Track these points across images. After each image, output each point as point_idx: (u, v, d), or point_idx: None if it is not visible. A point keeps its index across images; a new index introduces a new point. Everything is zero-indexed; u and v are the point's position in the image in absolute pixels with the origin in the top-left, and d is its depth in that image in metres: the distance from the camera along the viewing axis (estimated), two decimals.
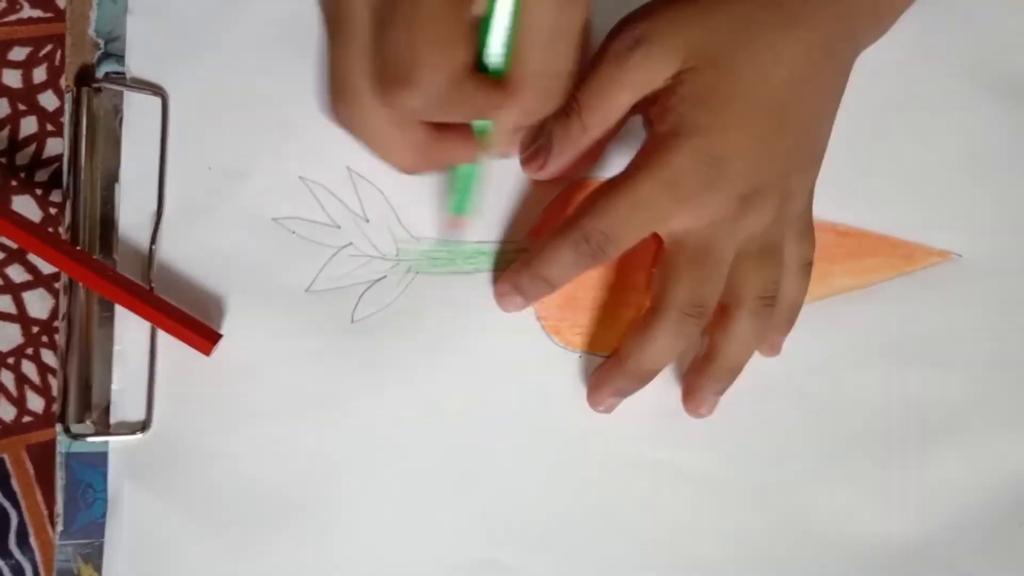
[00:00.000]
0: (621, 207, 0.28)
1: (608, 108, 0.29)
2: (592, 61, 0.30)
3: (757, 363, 0.33)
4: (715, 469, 0.34)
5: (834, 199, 0.33)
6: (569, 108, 0.30)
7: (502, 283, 0.32)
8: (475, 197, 0.31)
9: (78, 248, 0.30)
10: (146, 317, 0.30)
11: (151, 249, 0.31)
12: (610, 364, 0.32)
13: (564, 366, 0.33)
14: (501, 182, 0.33)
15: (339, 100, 0.27)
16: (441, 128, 0.28)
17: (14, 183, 0.32)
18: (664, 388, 0.33)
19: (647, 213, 0.28)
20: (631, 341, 0.30)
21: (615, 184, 0.29)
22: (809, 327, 0.33)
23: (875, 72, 0.32)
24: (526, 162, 0.32)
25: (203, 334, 0.30)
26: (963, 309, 0.35)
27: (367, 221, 0.33)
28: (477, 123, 0.29)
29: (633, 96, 0.29)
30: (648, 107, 0.30)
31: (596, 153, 0.32)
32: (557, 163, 0.31)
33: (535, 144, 0.32)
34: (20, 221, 0.30)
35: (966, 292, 0.35)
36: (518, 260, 0.32)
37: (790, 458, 0.34)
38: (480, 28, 0.26)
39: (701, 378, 0.32)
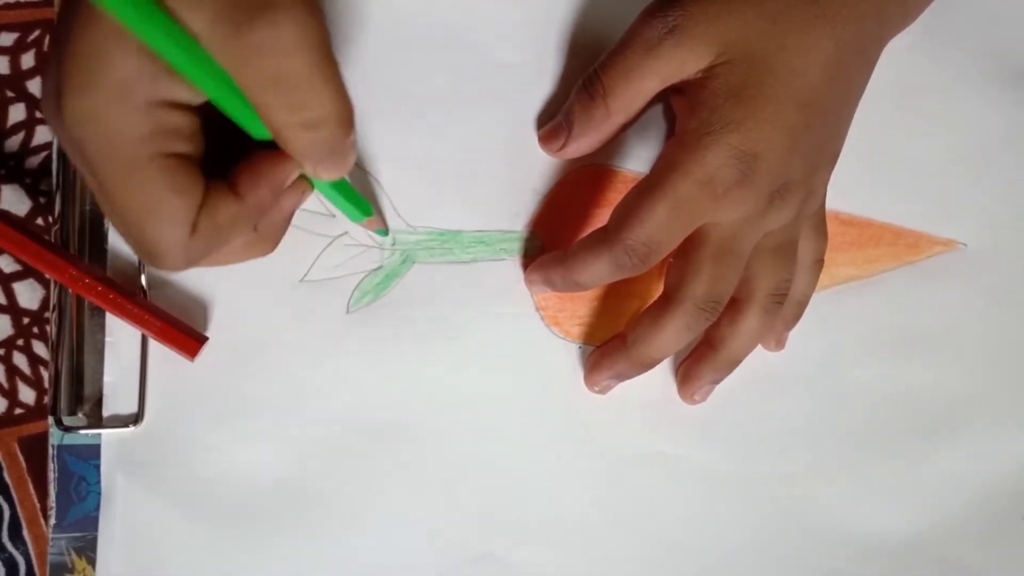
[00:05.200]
0: (661, 212, 0.27)
1: (634, 94, 0.29)
2: (620, 44, 0.29)
3: (760, 354, 0.33)
4: (716, 461, 0.33)
5: (838, 188, 0.32)
6: (594, 90, 0.29)
7: (534, 272, 0.32)
8: (357, 198, 0.29)
9: (67, 251, 0.30)
10: (131, 322, 0.30)
11: None
12: (612, 347, 0.31)
13: (563, 357, 0.33)
14: (498, 170, 0.32)
15: (160, 263, 0.24)
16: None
17: (2, 172, 0.31)
18: (665, 379, 0.33)
19: (688, 215, 0.28)
20: (641, 328, 0.30)
21: (650, 187, 0.28)
22: (813, 318, 0.33)
23: (879, 63, 0.32)
24: (544, 140, 0.32)
25: (187, 340, 0.30)
26: (968, 299, 0.35)
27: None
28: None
29: (660, 84, 0.29)
30: (671, 95, 0.30)
31: (610, 138, 0.31)
32: (577, 145, 0.31)
33: (553, 122, 0.31)
34: (8, 224, 0.29)
35: (971, 282, 0.35)
36: (551, 254, 0.31)
37: (792, 451, 0.34)
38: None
39: (701, 367, 0.32)
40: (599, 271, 0.29)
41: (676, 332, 0.29)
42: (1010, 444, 0.34)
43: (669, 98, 0.32)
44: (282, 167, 0.24)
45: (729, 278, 0.29)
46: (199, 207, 0.23)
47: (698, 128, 0.27)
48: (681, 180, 0.27)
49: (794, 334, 0.33)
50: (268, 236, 0.27)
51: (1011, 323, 0.35)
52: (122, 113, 0.21)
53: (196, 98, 0.22)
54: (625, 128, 0.31)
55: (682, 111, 0.30)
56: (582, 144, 0.31)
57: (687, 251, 0.29)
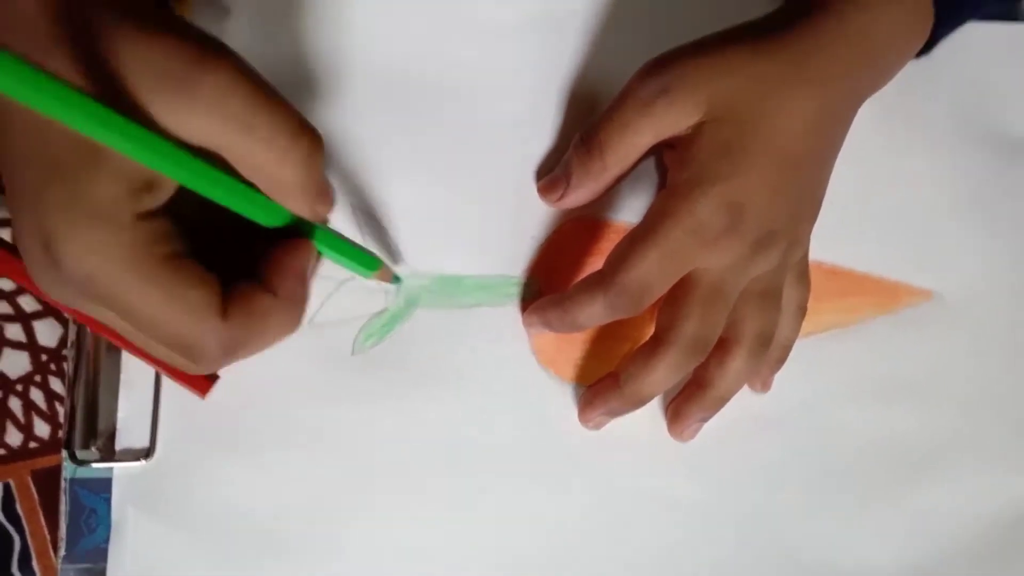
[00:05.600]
0: (654, 257, 0.29)
1: (629, 148, 0.31)
2: (617, 101, 0.31)
3: (748, 396, 0.34)
4: (708, 498, 0.34)
5: (822, 240, 0.34)
6: (591, 145, 0.31)
7: (532, 314, 0.33)
8: (362, 256, 0.30)
9: None
10: (147, 360, 0.31)
11: None
12: (605, 385, 0.33)
13: (559, 398, 0.34)
14: (499, 219, 0.34)
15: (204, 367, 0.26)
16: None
17: None
18: (656, 418, 0.34)
19: (678, 260, 0.29)
20: (632, 367, 0.31)
21: (643, 234, 0.29)
22: (798, 363, 0.34)
23: (858, 120, 0.34)
24: (543, 191, 0.34)
25: (199, 378, 0.31)
26: (944, 346, 0.36)
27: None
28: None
29: (654, 139, 0.31)
30: (663, 149, 0.32)
31: (606, 190, 0.33)
32: (575, 196, 0.33)
33: (552, 174, 0.33)
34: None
35: (947, 330, 0.36)
36: (549, 297, 0.33)
37: (778, 489, 0.35)
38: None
39: (691, 405, 0.33)
40: (594, 312, 0.30)
41: (666, 371, 0.30)
42: (989, 485, 0.36)
43: (661, 152, 0.34)
44: (302, 252, 0.26)
45: (717, 320, 0.30)
46: (221, 294, 0.24)
47: (688, 180, 0.29)
48: (672, 227, 0.29)
49: (781, 377, 0.34)
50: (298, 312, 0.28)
51: (985, 369, 0.36)
52: (117, 236, 0.23)
53: (166, 198, 0.24)
54: (620, 180, 0.33)
55: (673, 164, 0.31)
56: (579, 195, 0.33)
57: (677, 295, 0.30)
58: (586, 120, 0.33)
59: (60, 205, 0.22)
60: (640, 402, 0.32)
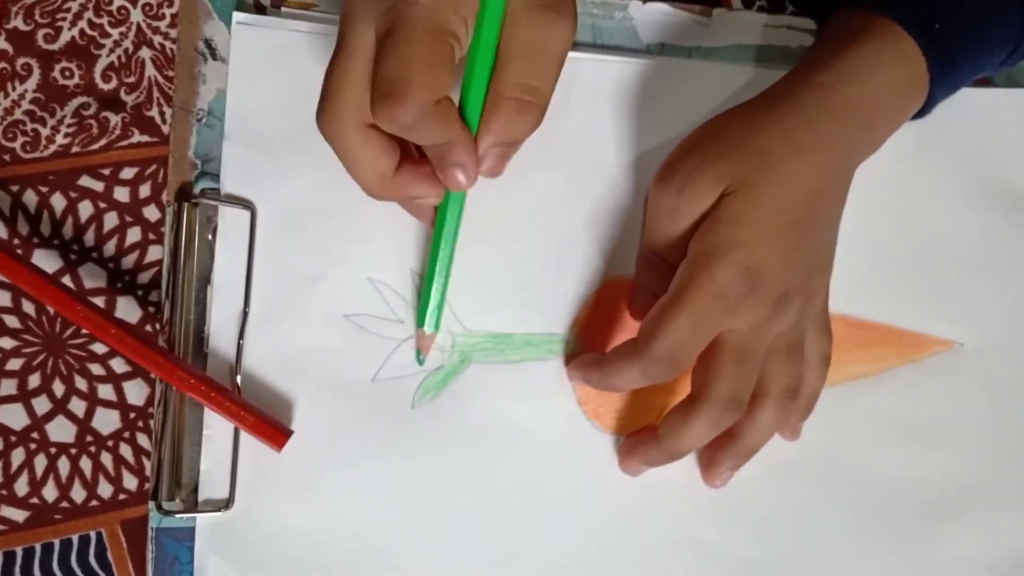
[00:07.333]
0: (684, 324, 0.31)
1: (678, 240, 0.33)
2: (648, 218, 0.34)
3: (781, 445, 0.36)
4: (745, 544, 0.36)
5: (846, 294, 0.37)
6: (657, 260, 0.35)
7: (574, 369, 0.36)
8: (438, 310, 0.35)
9: (173, 354, 0.34)
10: (227, 416, 0.34)
11: (239, 344, 0.35)
12: (645, 436, 0.35)
13: (605, 448, 0.36)
14: (545, 281, 0.37)
15: (326, 112, 0.30)
16: (407, 164, 0.31)
17: (119, 285, 0.36)
18: (694, 467, 0.36)
19: (707, 325, 0.31)
20: (671, 423, 0.33)
21: (673, 303, 0.31)
22: (827, 412, 0.36)
23: (878, 180, 0.37)
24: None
25: (275, 432, 0.34)
26: (967, 394, 0.38)
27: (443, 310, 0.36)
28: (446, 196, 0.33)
29: (690, 222, 0.33)
30: None
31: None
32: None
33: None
34: (124, 331, 0.33)
35: (969, 378, 0.38)
36: (589, 355, 0.35)
37: (811, 535, 0.37)
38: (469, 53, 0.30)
39: (723, 454, 0.35)
40: (631, 378, 0.33)
41: (703, 428, 0.33)
42: (1013, 528, 0.37)
43: None
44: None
45: (749, 378, 0.33)
46: (447, 88, 0.29)
47: (707, 249, 0.32)
48: (698, 295, 0.31)
49: (812, 426, 0.36)
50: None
51: (1007, 415, 0.38)
52: (350, 125, 0.30)
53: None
54: None
55: (694, 236, 0.33)
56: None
57: (710, 356, 0.32)
58: (617, 185, 0.37)
59: (329, 92, 0.30)
60: (678, 456, 0.34)
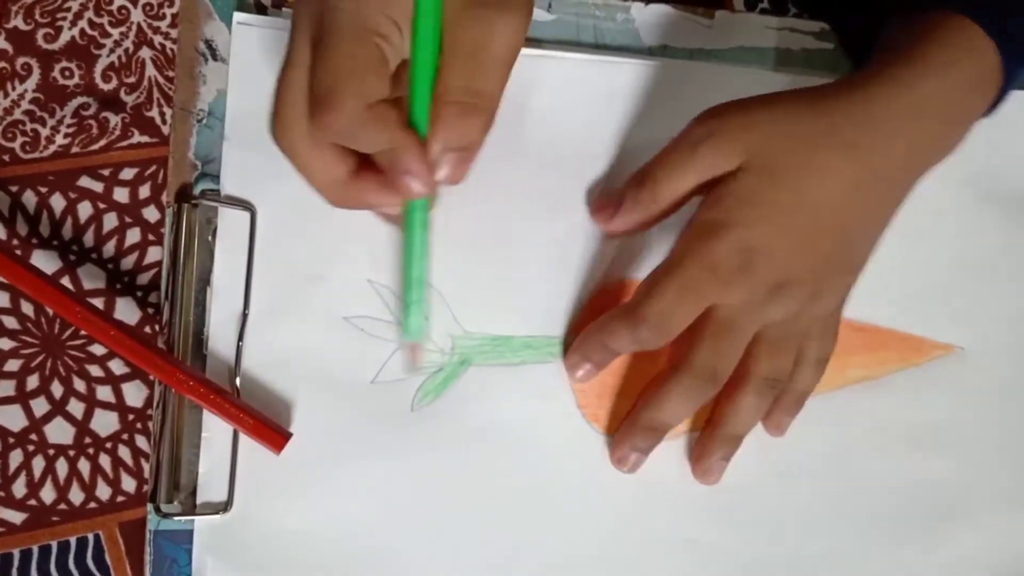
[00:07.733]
0: (673, 289, 0.32)
1: (676, 185, 0.33)
2: (671, 143, 0.34)
3: (779, 446, 0.36)
4: (742, 546, 0.36)
5: (849, 298, 0.37)
6: (644, 177, 0.34)
7: (571, 356, 0.36)
8: (422, 321, 0.33)
9: (172, 356, 0.34)
10: (226, 418, 0.33)
11: (238, 346, 0.35)
12: (626, 423, 0.35)
13: (604, 450, 0.36)
14: (543, 284, 0.37)
15: (276, 124, 0.29)
16: (366, 173, 0.30)
17: (118, 286, 0.36)
18: (687, 471, 0.36)
19: (696, 294, 0.32)
20: (646, 397, 0.34)
21: (666, 269, 0.32)
22: (828, 414, 0.36)
23: None
24: (595, 211, 0.36)
25: (274, 435, 0.33)
26: (968, 398, 0.38)
27: (426, 319, 0.36)
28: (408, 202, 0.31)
29: (697, 180, 0.33)
30: (705, 191, 0.34)
31: (652, 223, 0.35)
32: (624, 220, 0.35)
33: (604, 197, 0.36)
34: (122, 332, 0.33)
35: (970, 382, 0.38)
36: (586, 329, 0.35)
37: (811, 538, 0.37)
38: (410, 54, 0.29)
39: (708, 443, 0.35)
40: (621, 340, 0.33)
41: (679, 398, 0.33)
42: (1013, 530, 0.37)
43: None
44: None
45: (727, 353, 0.33)
46: (378, 92, 0.28)
47: (710, 221, 0.32)
48: (692, 264, 0.31)
49: (812, 428, 0.36)
50: None
51: (1007, 418, 0.38)
52: (299, 135, 0.29)
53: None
54: (663, 218, 0.35)
55: (703, 203, 0.33)
56: (627, 221, 0.35)
57: (694, 327, 0.33)
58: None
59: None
60: (657, 429, 0.34)
